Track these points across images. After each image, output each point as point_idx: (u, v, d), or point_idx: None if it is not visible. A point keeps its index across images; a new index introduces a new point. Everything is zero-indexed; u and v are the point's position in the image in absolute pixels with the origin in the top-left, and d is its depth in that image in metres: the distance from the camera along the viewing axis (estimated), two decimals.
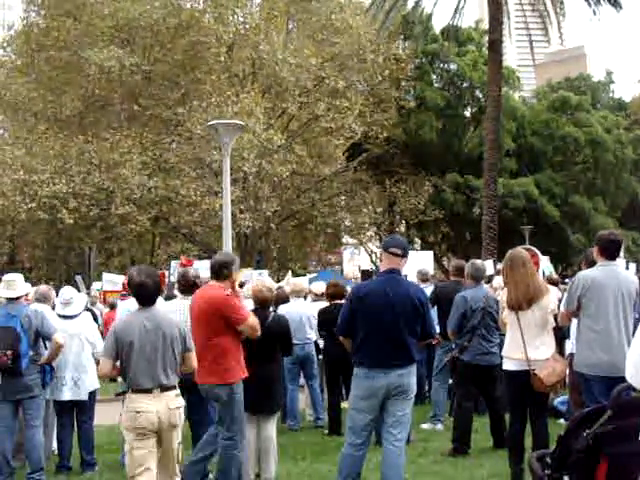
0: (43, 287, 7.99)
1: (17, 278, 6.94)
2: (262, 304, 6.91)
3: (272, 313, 7.09)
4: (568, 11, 27.46)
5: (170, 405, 4.99)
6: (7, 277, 6.98)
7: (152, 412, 4.92)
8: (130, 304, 7.71)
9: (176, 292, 8.14)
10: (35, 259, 35.46)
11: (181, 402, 5.12)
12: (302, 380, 9.62)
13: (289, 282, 11.95)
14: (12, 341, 6.47)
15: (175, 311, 6.59)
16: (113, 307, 14.70)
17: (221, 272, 5.99)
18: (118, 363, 5.07)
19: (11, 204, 23.33)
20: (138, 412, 4.93)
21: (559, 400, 8.83)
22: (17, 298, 6.81)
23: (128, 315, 5.43)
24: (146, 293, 5.07)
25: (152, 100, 25.86)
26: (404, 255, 5.51)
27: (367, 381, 5.38)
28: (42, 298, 7.49)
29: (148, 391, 4.94)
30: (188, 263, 19.21)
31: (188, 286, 6.75)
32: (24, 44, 27.95)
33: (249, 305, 7.65)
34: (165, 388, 4.99)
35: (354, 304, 5.50)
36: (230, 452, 5.95)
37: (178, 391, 5.13)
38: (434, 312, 8.48)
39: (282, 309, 9.00)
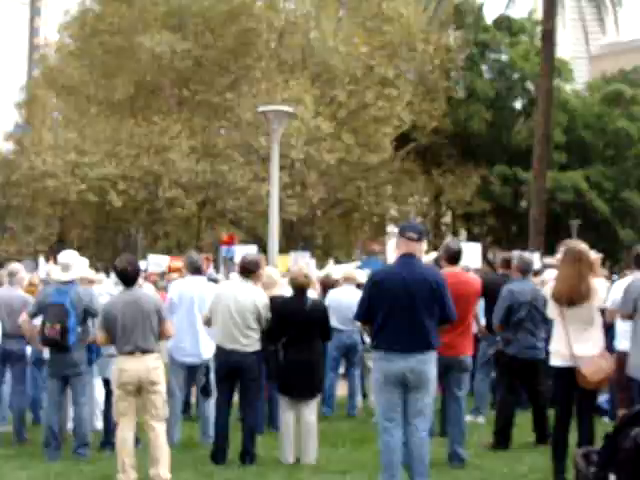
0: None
1: (72, 261, 7.08)
2: (300, 290, 6.97)
3: (310, 299, 7.10)
4: (625, 1, 26.74)
5: (149, 365, 6.05)
6: (63, 259, 7.12)
7: (133, 370, 6.00)
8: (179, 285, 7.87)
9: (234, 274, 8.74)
10: (83, 239, 36.06)
11: (159, 363, 6.17)
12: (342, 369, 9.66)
13: (332, 270, 11.94)
14: (61, 316, 6.78)
15: (245, 291, 6.75)
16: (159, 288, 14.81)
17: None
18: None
19: (62, 185, 23.79)
20: (122, 370, 6.05)
21: (604, 398, 8.68)
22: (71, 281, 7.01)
23: (114, 295, 6.58)
24: (128, 277, 6.20)
25: (202, 85, 26.06)
26: (420, 239, 5.55)
27: (385, 363, 5.41)
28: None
29: (131, 353, 6.05)
30: (229, 240, 19.36)
31: (244, 269, 6.93)
32: (79, 29, 28.40)
33: (287, 291, 7.66)
34: (144, 351, 6.06)
35: (371, 289, 5.56)
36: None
37: (158, 354, 6.19)
38: (481, 304, 8.42)
39: (332, 294, 9.12)
